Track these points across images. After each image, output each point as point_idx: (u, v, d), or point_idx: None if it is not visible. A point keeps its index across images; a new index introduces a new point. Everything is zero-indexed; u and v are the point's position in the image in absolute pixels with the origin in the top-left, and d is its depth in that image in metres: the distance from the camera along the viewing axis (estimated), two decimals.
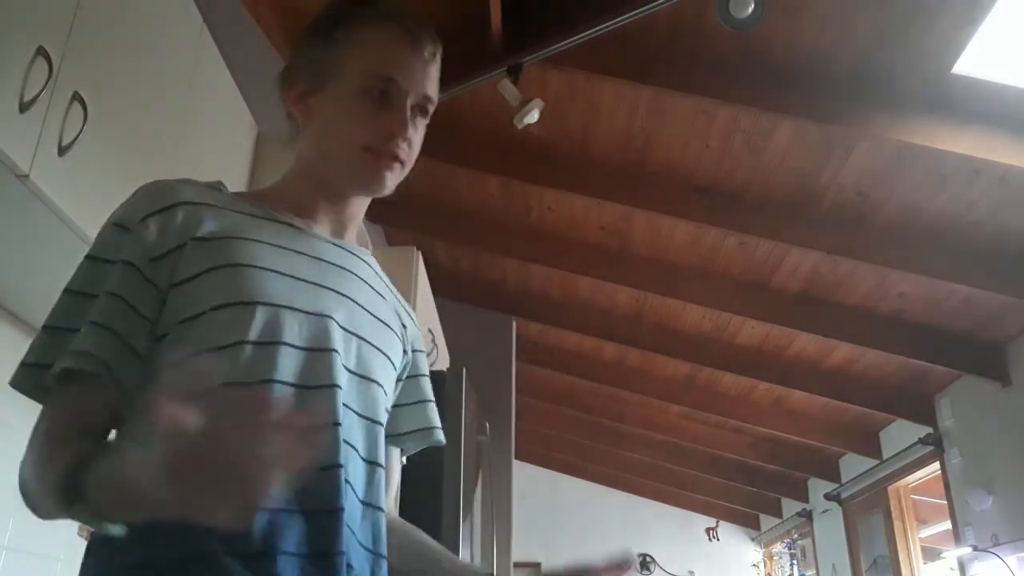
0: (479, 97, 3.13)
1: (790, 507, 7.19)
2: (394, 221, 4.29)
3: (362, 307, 0.90)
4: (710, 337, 4.76)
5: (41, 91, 1.07)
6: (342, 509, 0.78)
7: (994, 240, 3.24)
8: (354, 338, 0.87)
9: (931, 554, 5.50)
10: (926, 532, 5.50)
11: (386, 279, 1.03)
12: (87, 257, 0.81)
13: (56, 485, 0.67)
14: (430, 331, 3.05)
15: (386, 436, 0.95)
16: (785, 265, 3.83)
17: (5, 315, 1.48)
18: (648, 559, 8.30)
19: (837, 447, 5.76)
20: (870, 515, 5.60)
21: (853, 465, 5.76)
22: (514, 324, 5.22)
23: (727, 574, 8.28)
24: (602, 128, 3.29)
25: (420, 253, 2.90)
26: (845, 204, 3.31)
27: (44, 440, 0.73)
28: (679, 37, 2.76)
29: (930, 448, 4.62)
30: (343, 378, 0.83)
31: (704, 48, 2.76)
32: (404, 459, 1.06)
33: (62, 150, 1.13)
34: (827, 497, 6.12)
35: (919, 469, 4.90)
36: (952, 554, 4.45)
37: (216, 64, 1.70)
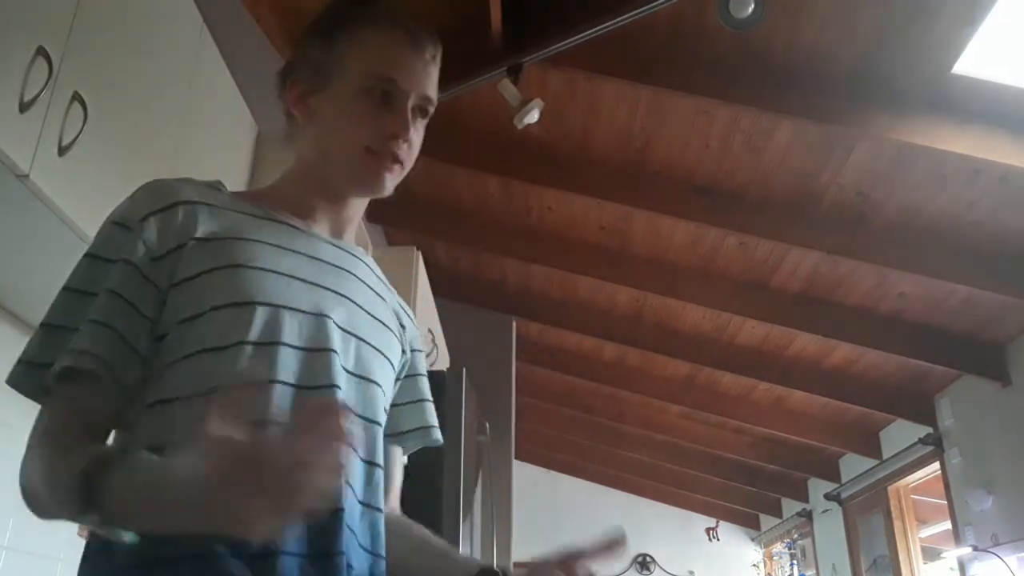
0: (479, 97, 3.13)
1: (790, 507, 7.19)
2: (394, 221, 4.29)
3: (360, 307, 0.90)
4: (710, 337, 4.76)
5: (41, 91, 1.07)
6: (342, 509, 0.78)
7: (994, 240, 3.24)
8: (352, 338, 0.87)
9: (931, 554, 5.50)
10: (926, 532, 5.50)
11: (384, 279, 1.03)
12: (86, 255, 0.80)
13: (70, 490, 0.66)
14: (430, 331, 3.05)
15: (386, 435, 0.95)
16: (785, 265, 3.83)
17: (5, 315, 1.48)
18: (648, 559, 8.30)
19: (837, 447, 5.76)
20: (870, 515, 5.61)
21: (853, 465, 5.76)
22: (514, 324, 5.22)
23: (727, 574, 8.28)
24: (602, 128, 3.29)
25: (420, 253, 2.90)
26: (845, 204, 3.31)
27: (48, 441, 0.73)
28: (679, 37, 2.76)
29: (930, 448, 4.62)
30: (342, 379, 0.83)
31: (704, 48, 2.76)
32: (404, 458, 1.06)
33: (62, 150, 1.13)
34: (827, 497, 6.12)
35: (919, 469, 4.90)
36: (952, 554, 4.45)
37: (216, 64, 1.70)
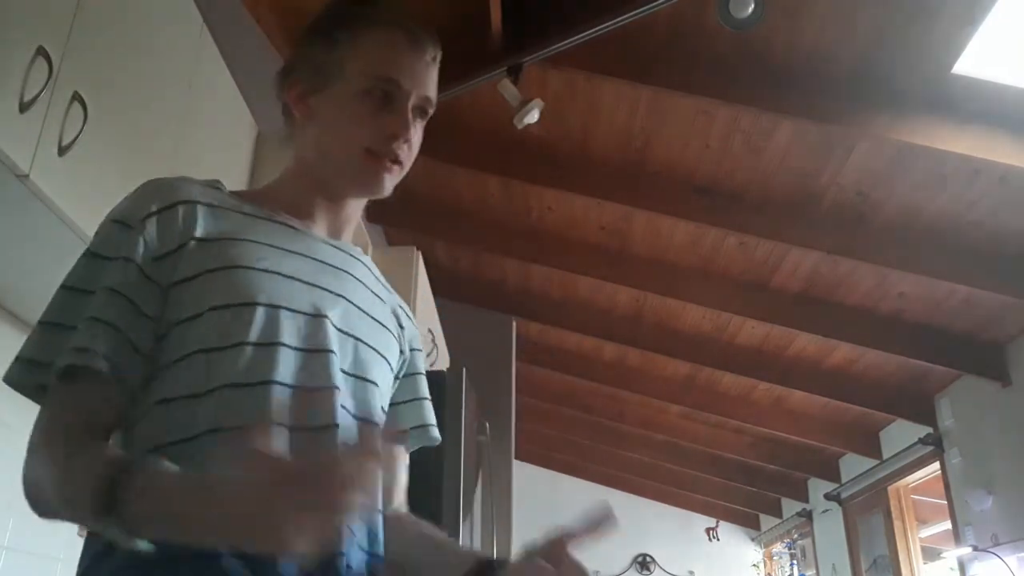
0: (479, 97, 3.13)
1: (790, 507, 7.19)
2: (394, 221, 4.29)
3: (358, 307, 0.90)
4: (710, 337, 4.76)
5: (41, 91, 1.07)
6: None
7: (994, 240, 3.24)
8: (350, 339, 0.87)
9: (931, 554, 5.50)
10: (926, 532, 5.50)
11: (383, 279, 1.03)
12: (87, 253, 0.80)
13: (87, 495, 0.65)
14: (430, 331, 3.05)
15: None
16: (785, 265, 3.83)
17: (5, 315, 1.48)
18: (648, 559, 8.30)
19: (837, 447, 5.76)
20: (870, 515, 5.61)
21: (853, 465, 5.76)
22: (514, 324, 5.22)
23: (727, 574, 8.27)
24: (602, 128, 3.29)
25: (420, 253, 2.90)
26: (845, 204, 3.31)
27: (53, 441, 0.72)
28: (679, 37, 2.76)
29: (930, 448, 4.62)
30: (340, 379, 0.83)
31: (704, 48, 2.76)
32: (407, 457, 1.06)
33: (62, 150, 1.13)
34: (827, 497, 6.12)
35: (919, 469, 4.90)
36: (952, 554, 4.45)
37: (216, 64, 1.70)
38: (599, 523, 0.80)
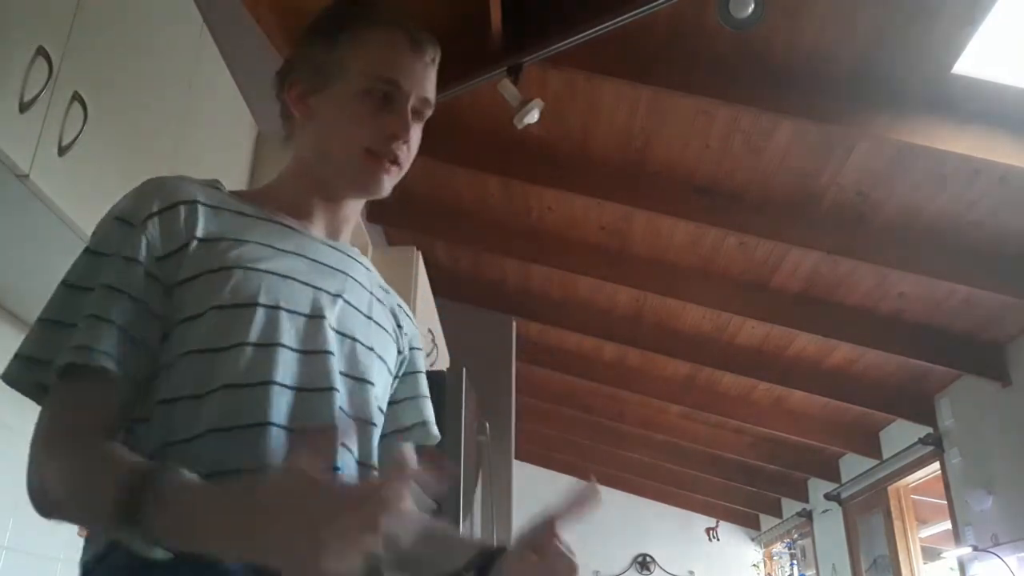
0: (479, 97, 3.13)
1: (790, 507, 7.20)
2: (394, 221, 4.29)
3: (355, 308, 0.91)
4: (710, 337, 4.76)
5: (41, 91, 1.07)
6: None
7: (994, 240, 3.24)
8: (347, 339, 0.87)
9: (931, 554, 5.51)
10: (926, 532, 5.50)
11: (381, 280, 1.03)
12: (88, 251, 0.80)
13: (110, 503, 0.64)
14: (430, 331, 3.05)
15: (391, 432, 0.96)
16: (785, 265, 3.83)
17: (5, 315, 1.48)
18: (648, 559, 8.30)
19: (837, 447, 5.76)
20: (870, 515, 5.61)
21: (853, 465, 5.76)
22: (514, 324, 5.23)
23: (727, 574, 8.28)
24: (602, 128, 3.29)
25: (420, 253, 2.90)
26: (845, 204, 3.31)
27: (62, 442, 0.71)
28: (679, 37, 2.76)
29: (930, 448, 4.62)
30: (338, 381, 0.83)
31: (704, 48, 2.76)
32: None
33: (62, 150, 1.13)
34: (827, 497, 6.12)
35: (919, 469, 4.91)
36: (952, 554, 4.45)
37: (216, 64, 1.70)
38: (583, 501, 0.79)
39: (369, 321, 0.92)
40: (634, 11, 2.55)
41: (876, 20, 2.50)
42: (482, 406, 3.27)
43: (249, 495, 0.62)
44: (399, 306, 1.04)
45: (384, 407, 0.94)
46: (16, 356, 0.76)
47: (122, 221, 0.80)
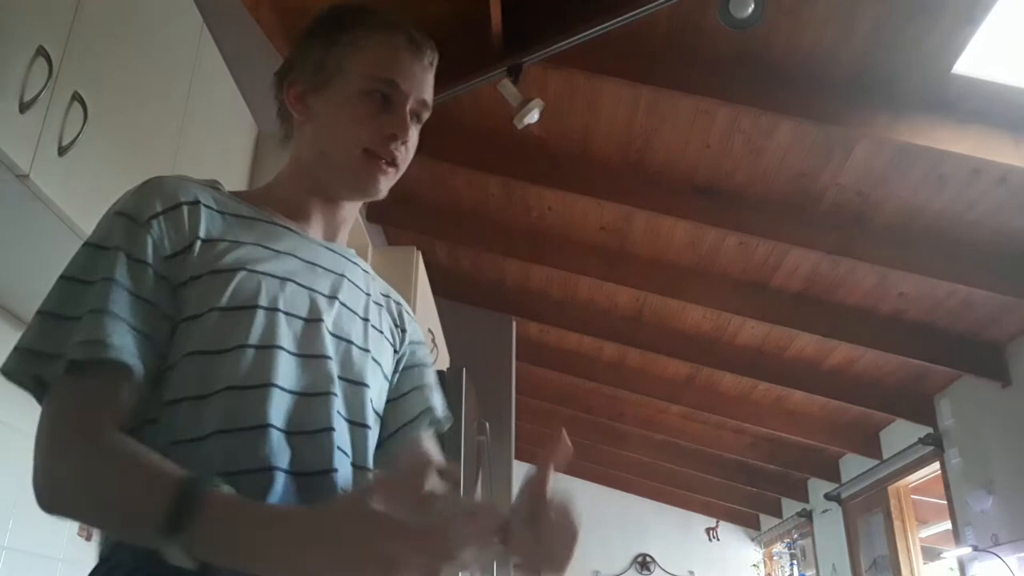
0: (479, 97, 3.13)
1: (790, 507, 7.20)
2: (394, 221, 4.30)
3: (351, 310, 0.91)
4: (710, 337, 4.76)
5: (41, 91, 1.07)
6: None
7: (994, 240, 3.24)
8: (343, 342, 0.87)
9: (931, 554, 5.51)
10: (926, 532, 5.50)
11: (380, 281, 1.04)
12: (90, 246, 0.78)
13: (149, 513, 0.63)
14: (430, 331, 3.05)
15: (401, 426, 0.96)
16: (785, 265, 3.83)
17: (5, 315, 1.48)
18: (648, 559, 8.30)
19: (837, 447, 5.76)
20: (870, 515, 5.61)
21: (853, 465, 5.76)
22: (514, 324, 5.22)
23: (727, 574, 8.28)
24: (602, 128, 3.29)
25: (420, 253, 2.90)
26: (845, 204, 3.31)
27: (78, 439, 0.69)
28: (679, 37, 2.77)
29: (930, 448, 4.62)
30: (336, 384, 0.83)
31: (704, 48, 2.76)
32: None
33: (62, 150, 1.13)
34: (827, 497, 6.12)
35: (919, 469, 4.91)
36: (952, 554, 4.45)
37: (216, 64, 1.70)
38: (557, 454, 0.79)
39: (365, 323, 0.92)
40: (634, 11, 2.55)
41: (876, 20, 2.50)
42: (482, 406, 3.27)
43: (312, 522, 0.63)
44: (398, 303, 1.04)
45: (380, 409, 0.94)
46: (16, 348, 0.74)
47: (126, 218, 0.79)
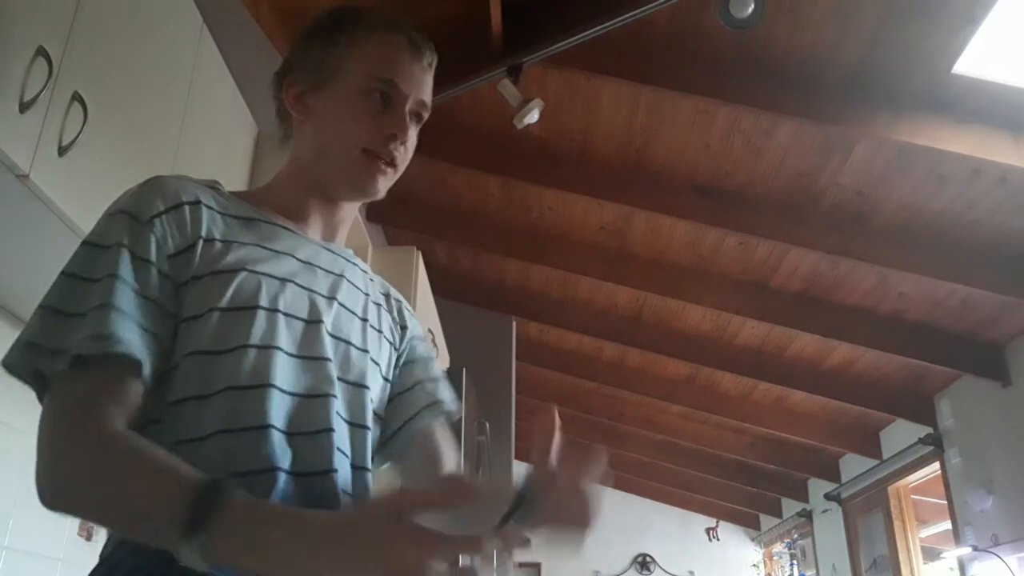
0: (479, 97, 3.13)
1: (790, 507, 7.20)
2: (394, 221, 4.30)
3: (350, 311, 0.91)
4: (710, 337, 4.76)
5: (41, 91, 1.07)
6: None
7: (994, 240, 3.24)
8: (342, 343, 0.87)
9: (931, 554, 5.51)
10: (926, 532, 5.50)
11: (377, 280, 1.04)
12: (91, 244, 0.78)
13: (167, 514, 0.63)
14: (430, 331, 3.05)
15: (402, 424, 0.96)
16: (785, 265, 3.83)
17: (5, 315, 1.48)
18: (648, 559, 8.30)
19: (837, 447, 5.76)
20: (870, 515, 5.61)
21: (853, 465, 5.76)
22: (514, 324, 5.22)
23: (727, 574, 8.28)
24: (602, 128, 3.29)
25: (420, 253, 2.90)
26: (845, 204, 3.31)
27: (85, 435, 0.69)
28: (679, 37, 2.77)
29: (930, 448, 4.62)
30: (335, 386, 0.83)
31: (704, 48, 2.77)
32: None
33: (62, 150, 1.13)
34: (827, 497, 6.12)
35: (919, 469, 4.91)
36: (952, 554, 4.45)
37: (216, 64, 1.70)
38: (550, 427, 0.81)
39: (364, 323, 0.93)
40: (634, 11, 2.55)
41: (876, 20, 2.50)
42: (482, 406, 3.27)
43: (334, 526, 0.63)
44: (397, 300, 1.05)
45: (380, 409, 0.94)
46: (18, 341, 0.73)
47: (129, 216, 0.79)
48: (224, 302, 0.78)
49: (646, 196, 3.52)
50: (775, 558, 7.99)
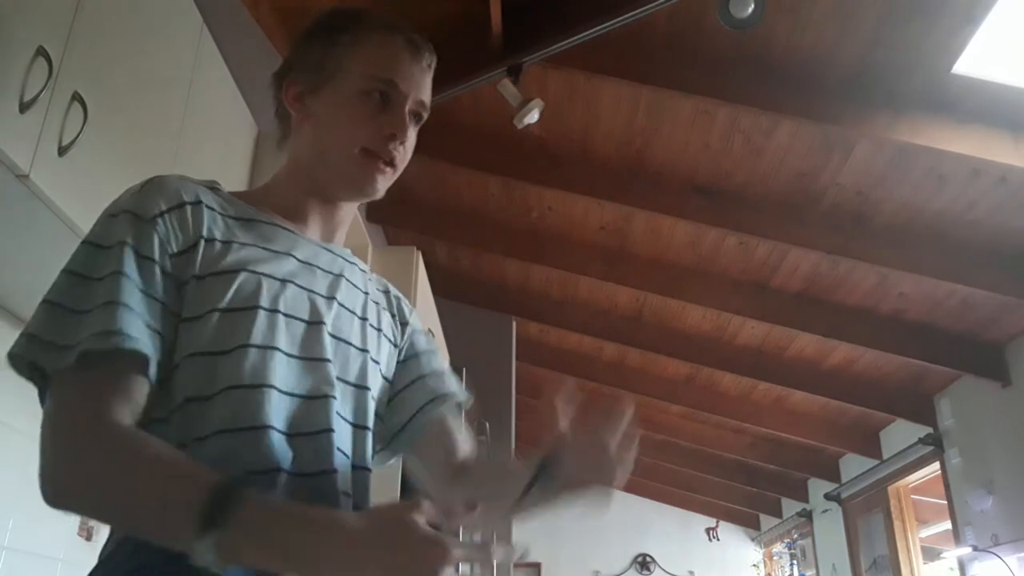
0: (479, 97, 3.13)
1: (790, 507, 7.20)
2: (394, 221, 4.30)
3: (350, 311, 0.91)
4: (710, 337, 4.76)
5: (41, 91, 1.07)
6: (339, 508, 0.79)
7: (994, 240, 3.24)
8: (342, 344, 0.87)
9: (931, 554, 5.51)
10: (926, 532, 5.50)
11: (379, 280, 1.04)
12: (97, 244, 0.77)
13: (185, 512, 0.63)
14: (430, 331, 3.04)
15: (407, 420, 0.97)
16: (785, 265, 3.83)
17: (5, 315, 1.48)
18: (648, 559, 8.30)
19: (837, 447, 5.76)
20: (870, 515, 5.61)
21: (853, 465, 5.76)
22: (514, 324, 5.23)
23: (727, 574, 8.28)
24: (602, 128, 3.29)
25: (420, 253, 2.90)
26: (845, 204, 3.31)
27: (94, 432, 0.69)
28: (679, 37, 2.77)
29: (930, 448, 4.62)
30: (335, 387, 0.83)
31: (704, 48, 2.77)
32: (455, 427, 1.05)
33: (62, 150, 1.13)
34: (827, 497, 6.12)
35: (919, 469, 4.91)
36: (952, 554, 4.45)
37: (216, 64, 1.70)
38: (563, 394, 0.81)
39: (363, 322, 0.93)
40: (634, 11, 2.55)
41: (876, 20, 2.50)
42: (482, 406, 3.26)
43: (352, 526, 0.65)
44: (396, 297, 1.05)
45: (381, 408, 0.95)
46: (23, 335, 0.73)
47: (132, 215, 0.79)
48: (224, 303, 0.78)
49: (646, 196, 3.52)
50: (775, 558, 7.99)
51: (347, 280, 0.93)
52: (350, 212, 0.99)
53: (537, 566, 7.99)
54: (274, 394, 0.77)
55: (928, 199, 3.14)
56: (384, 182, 0.92)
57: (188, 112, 1.56)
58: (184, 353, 0.77)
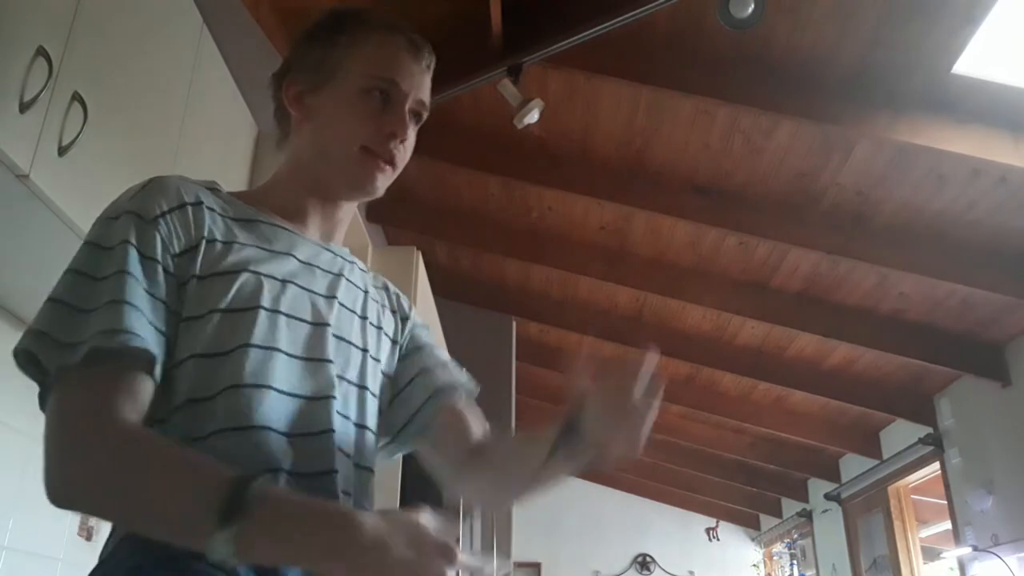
0: (479, 97, 3.13)
1: (790, 507, 7.20)
2: (394, 221, 4.30)
3: (351, 311, 0.91)
4: (710, 337, 4.76)
5: (41, 91, 1.07)
6: None
7: (994, 240, 3.24)
8: (343, 343, 0.87)
9: (931, 554, 5.51)
10: (926, 532, 5.50)
11: (375, 278, 1.04)
12: (98, 244, 0.77)
13: (203, 509, 0.63)
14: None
15: (410, 417, 0.97)
16: (785, 265, 3.83)
17: (5, 315, 1.48)
18: (648, 559, 8.30)
19: (837, 447, 5.76)
20: (870, 515, 5.61)
21: (853, 465, 5.76)
22: (514, 324, 5.23)
23: (727, 574, 8.28)
24: (602, 128, 3.29)
25: (420, 253, 2.90)
26: (845, 204, 3.31)
27: (102, 430, 0.68)
28: (679, 37, 2.77)
29: (930, 448, 4.62)
30: (336, 387, 0.83)
31: (704, 48, 2.77)
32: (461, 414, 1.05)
33: (62, 150, 1.13)
34: (827, 497, 6.12)
35: (919, 469, 4.91)
36: (952, 554, 4.45)
37: (216, 64, 1.71)
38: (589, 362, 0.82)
39: (363, 321, 0.93)
40: (634, 11, 2.55)
41: (876, 20, 2.50)
42: (482, 406, 3.27)
43: (366, 525, 0.66)
44: (396, 295, 1.05)
45: (384, 405, 0.95)
46: (28, 331, 0.73)
47: (134, 215, 0.78)
48: (225, 303, 0.78)
49: (646, 196, 3.52)
50: (775, 558, 7.99)
51: (347, 279, 0.94)
52: (350, 211, 0.99)
53: (537, 566, 7.99)
54: (272, 394, 0.77)
55: (928, 199, 3.14)
56: (384, 181, 0.92)
57: (188, 112, 1.56)
58: (184, 353, 0.77)
